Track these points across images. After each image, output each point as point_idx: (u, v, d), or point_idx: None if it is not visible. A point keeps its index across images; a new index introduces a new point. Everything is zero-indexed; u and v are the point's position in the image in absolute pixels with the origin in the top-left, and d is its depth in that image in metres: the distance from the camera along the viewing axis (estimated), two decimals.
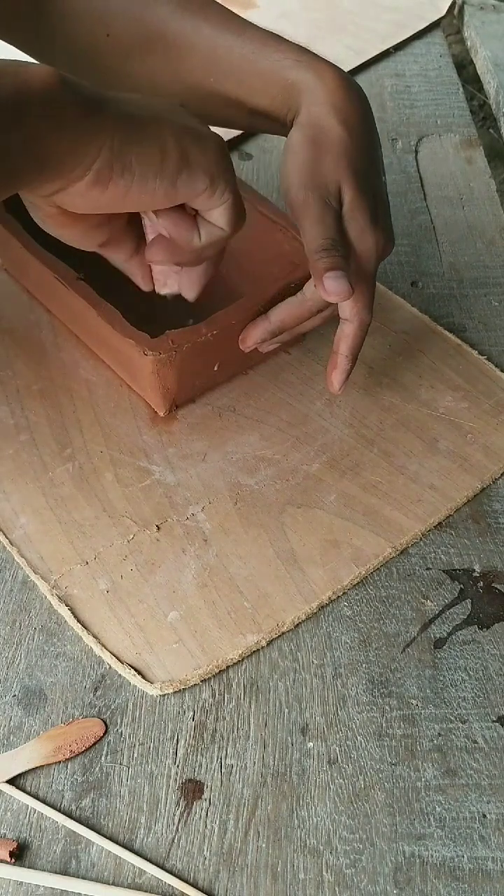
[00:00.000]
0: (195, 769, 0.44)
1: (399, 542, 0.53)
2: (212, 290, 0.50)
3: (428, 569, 0.52)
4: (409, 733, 0.45)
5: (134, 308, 0.54)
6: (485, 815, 0.43)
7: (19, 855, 0.41)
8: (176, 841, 0.41)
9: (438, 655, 0.48)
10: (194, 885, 0.40)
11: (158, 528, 0.53)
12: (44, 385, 0.60)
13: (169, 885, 0.40)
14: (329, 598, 0.50)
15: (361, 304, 0.52)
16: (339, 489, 0.55)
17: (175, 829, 0.42)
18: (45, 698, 0.46)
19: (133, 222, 0.47)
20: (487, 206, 0.79)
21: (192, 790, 0.43)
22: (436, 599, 0.51)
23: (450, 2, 1.07)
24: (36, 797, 0.43)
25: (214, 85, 0.55)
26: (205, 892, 0.40)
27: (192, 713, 0.46)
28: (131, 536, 0.52)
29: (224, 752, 0.44)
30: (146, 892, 0.40)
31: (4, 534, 0.52)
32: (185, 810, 0.42)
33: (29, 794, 0.43)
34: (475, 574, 0.52)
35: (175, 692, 0.46)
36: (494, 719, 0.46)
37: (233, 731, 0.45)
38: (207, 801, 0.43)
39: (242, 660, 0.48)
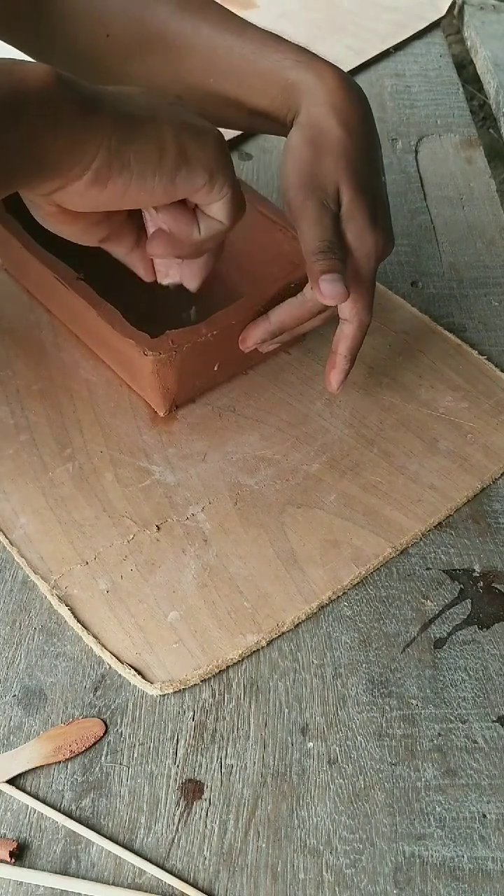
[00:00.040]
0: (195, 769, 0.44)
1: (399, 542, 0.53)
2: (212, 290, 0.50)
3: (428, 569, 0.52)
4: (409, 733, 0.45)
5: (134, 308, 0.54)
6: (485, 815, 0.43)
7: (19, 855, 0.41)
8: (176, 841, 0.41)
9: (438, 655, 0.48)
10: (194, 885, 0.40)
11: (158, 529, 0.53)
12: (44, 385, 0.60)
13: (169, 885, 0.40)
14: (329, 598, 0.50)
15: (361, 304, 0.51)
16: (339, 489, 0.55)
17: (175, 829, 0.42)
18: (45, 698, 0.46)
19: (133, 216, 0.47)
20: (487, 206, 0.79)
21: (192, 790, 0.43)
22: (436, 599, 0.51)
23: (450, 2, 1.07)
24: (36, 797, 0.43)
25: (214, 85, 0.55)
26: (205, 892, 0.40)
27: (192, 713, 0.46)
28: (131, 536, 0.52)
29: (224, 752, 0.44)
30: (146, 892, 0.40)
31: (4, 534, 0.52)
32: (185, 810, 0.42)
33: (29, 794, 0.43)
34: (475, 574, 0.52)
35: (175, 692, 0.46)
36: (494, 719, 0.46)
37: (233, 731, 0.45)
38: (207, 801, 0.43)
39: (242, 660, 0.48)
